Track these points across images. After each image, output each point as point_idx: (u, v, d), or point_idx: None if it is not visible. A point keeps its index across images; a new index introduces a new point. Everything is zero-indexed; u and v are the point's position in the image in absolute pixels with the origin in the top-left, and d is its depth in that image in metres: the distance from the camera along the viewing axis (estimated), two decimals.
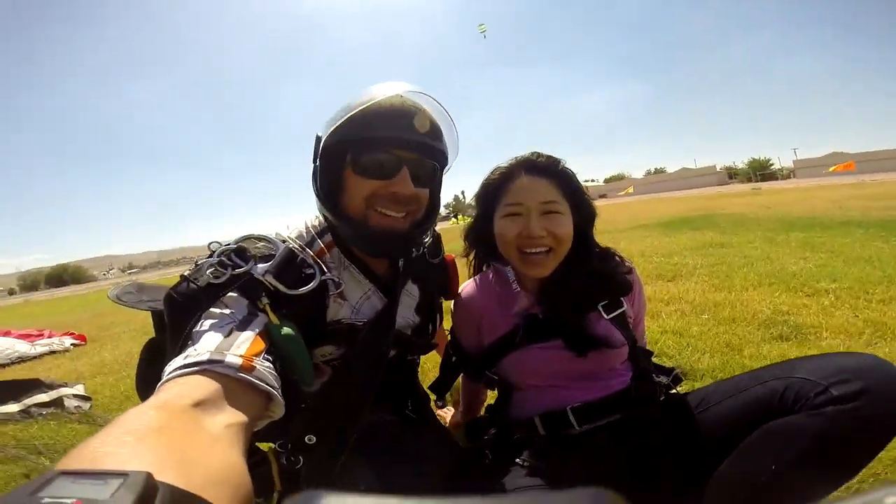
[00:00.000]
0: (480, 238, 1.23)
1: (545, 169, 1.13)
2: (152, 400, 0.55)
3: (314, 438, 0.90)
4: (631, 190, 47.76)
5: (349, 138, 0.91)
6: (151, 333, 1.01)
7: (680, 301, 3.21)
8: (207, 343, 0.67)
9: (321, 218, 1.05)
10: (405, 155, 0.93)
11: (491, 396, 1.44)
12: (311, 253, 0.95)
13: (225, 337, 0.69)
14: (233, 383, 0.62)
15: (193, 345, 0.68)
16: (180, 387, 0.58)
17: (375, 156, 0.92)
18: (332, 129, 0.91)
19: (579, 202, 1.14)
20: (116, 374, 3.63)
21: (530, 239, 1.07)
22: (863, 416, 0.77)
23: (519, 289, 1.19)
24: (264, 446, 1.02)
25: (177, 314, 0.77)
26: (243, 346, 0.68)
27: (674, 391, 1.18)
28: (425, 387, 1.36)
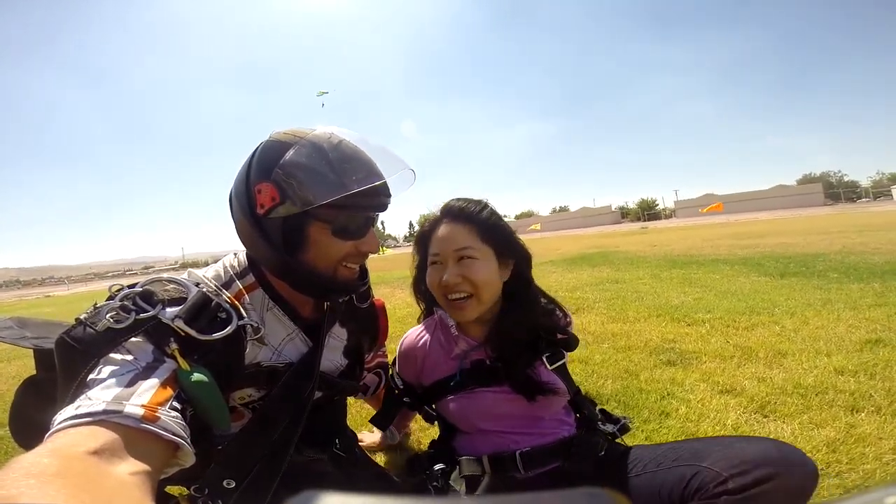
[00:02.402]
0: (421, 287, 1.28)
1: (462, 215, 1.18)
2: (41, 448, 0.51)
3: (233, 482, 0.86)
4: (538, 227, 50.74)
5: (332, 204, 0.88)
6: (20, 355, 0.92)
7: (583, 332, 3.47)
8: (104, 392, 0.62)
9: (241, 258, 1.03)
10: (373, 215, 1.00)
11: (434, 431, 1.46)
12: (229, 295, 0.93)
13: (125, 386, 0.65)
14: (134, 433, 0.59)
15: (88, 394, 0.63)
16: (71, 437, 0.55)
17: (355, 221, 0.96)
18: (330, 198, 0.86)
19: (502, 245, 1.19)
20: None
21: (448, 287, 1.13)
22: None
23: (458, 333, 1.23)
24: (174, 490, 0.94)
25: (70, 361, 0.71)
26: (146, 394, 0.65)
27: (619, 440, 1.22)
28: (359, 420, 1.36)
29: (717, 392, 2.13)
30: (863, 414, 1.79)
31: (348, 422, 1.39)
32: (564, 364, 1.22)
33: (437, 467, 1.18)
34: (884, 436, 1.61)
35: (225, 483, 0.86)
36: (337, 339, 1.15)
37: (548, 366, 1.18)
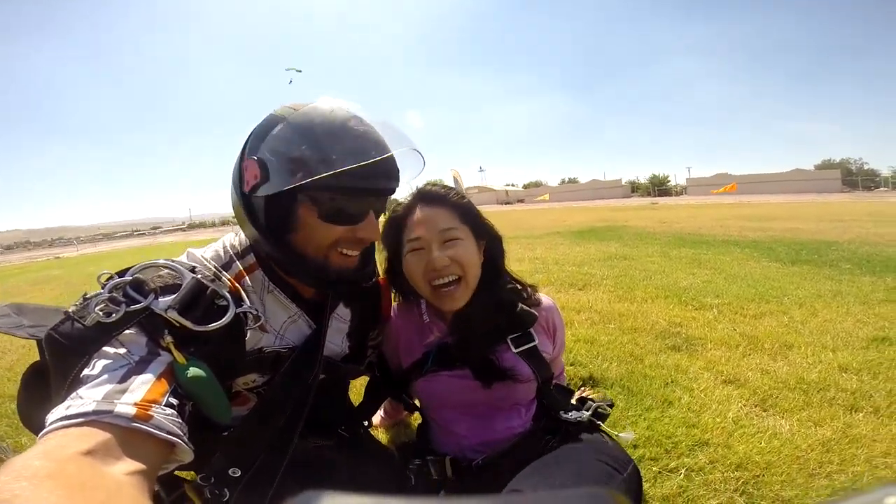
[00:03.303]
0: (395, 279, 1.23)
1: (439, 198, 1.14)
2: (32, 451, 0.51)
3: (238, 471, 0.86)
4: (547, 197, 50.30)
5: (314, 185, 0.81)
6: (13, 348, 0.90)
7: (590, 310, 3.52)
8: (94, 391, 0.60)
9: (241, 238, 0.99)
10: (373, 199, 0.92)
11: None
12: (229, 276, 0.90)
13: (117, 382, 0.62)
14: (126, 433, 0.57)
15: (79, 392, 0.61)
16: (62, 438, 0.53)
17: (347, 204, 0.87)
18: (312, 178, 0.79)
19: (480, 228, 1.17)
20: None
21: (436, 271, 1.08)
22: None
23: (429, 320, 1.22)
24: (185, 474, 0.96)
25: (59, 358, 0.69)
26: (139, 391, 0.63)
27: (599, 424, 1.19)
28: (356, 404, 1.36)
29: (721, 382, 2.17)
30: (861, 414, 1.83)
31: (354, 400, 1.41)
32: (535, 347, 1.17)
33: (414, 463, 1.20)
34: (878, 438, 1.65)
35: (231, 472, 0.85)
36: (340, 319, 1.12)
37: (513, 348, 1.16)
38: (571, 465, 1.01)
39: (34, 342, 0.87)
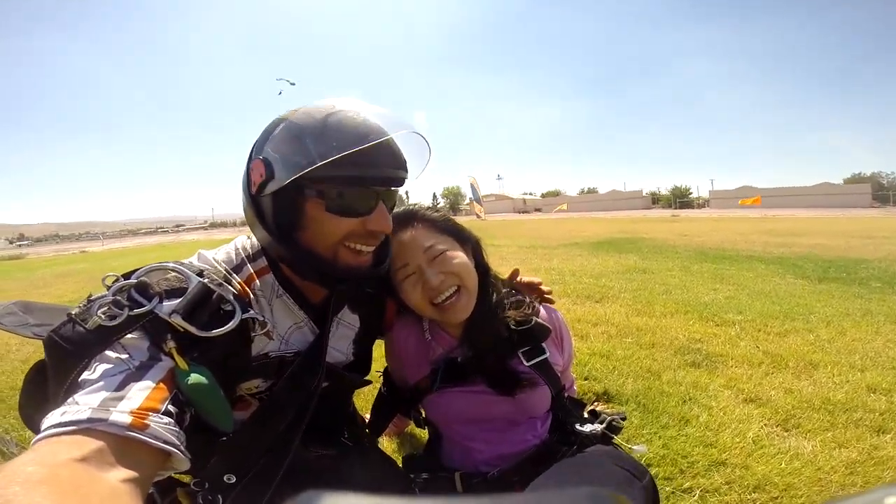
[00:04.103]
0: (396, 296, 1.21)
1: (412, 218, 1.14)
2: (24, 457, 0.50)
3: (234, 478, 0.84)
4: (565, 207, 50.05)
5: (320, 174, 0.80)
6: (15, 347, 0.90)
7: (607, 323, 3.49)
8: (91, 397, 0.60)
9: (254, 241, 0.98)
10: (381, 189, 0.89)
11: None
12: (239, 280, 0.90)
13: (115, 388, 0.62)
14: (121, 441, 0.56)
15: (75, 398, 0.60)
16: (54, 445, 0.53)
17: (353, 194, 0.85)
18: (310, 167, 0.78)
19: (460, 234, 1.17)
20: None
21: (434, 290, 1.07)
22: None
23: (431, 338, 1.21)
24: (183, 477, 0.93)
25: (59, 361, 0.69)
26: (137, 398, 0.61)
27: (612, 437, 1.19)
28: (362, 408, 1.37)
29: (742, 401, 2.14)
30: (888, 436, 1.78)
31: (360, 405, 1.42)
32: (546, 360, 1.17)
33: (421, 477, 1.19)
34: None
35: (226, 478, 0.84)
36: (348, 325, 1.11)
37: (524, 361, 1.15)
38: (592, 469, 1.01)
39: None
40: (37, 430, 0.80)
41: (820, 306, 3.85)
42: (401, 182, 0.92)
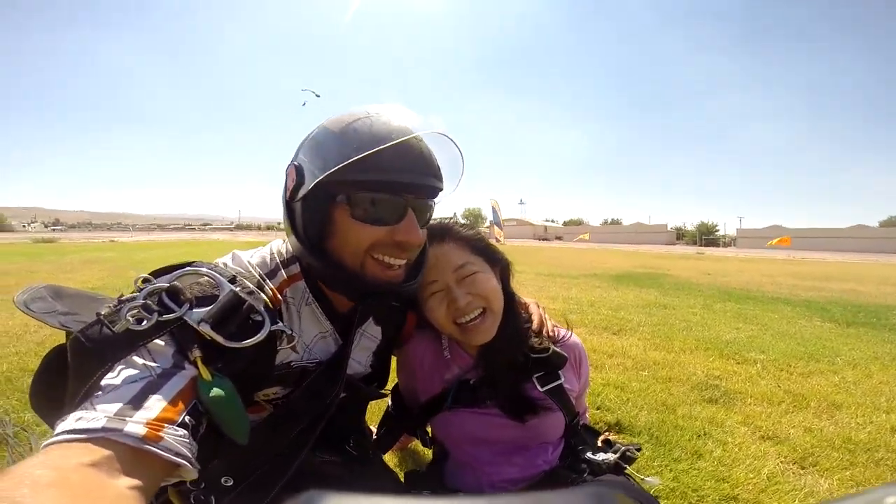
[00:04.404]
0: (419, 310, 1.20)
1: (446, 233, 1.12)
2: (34, 460, 0.50)
3: (231, 480, 0.83)
4: (587, 237, 49.71)
5: (346, 178, 0.79)
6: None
7: (623, 355, 3.46)
8: (109, 406, 0.59)
9: (289, 246, 0.96)
10: (411, 198, 0.85)
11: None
12: (272, 286, 0.89)
13: (134, 396, 0.61)
14: (133, 452, 0.56)
15: (93, 402, 0.60)
16: (65, 450, 0.53)
17: (380, 201, 0.82)
18: (334, 167, 0.78)
19: (492, 256, 1.15)
20: (2, 348, 3.32)
21: (460, 310, 1.06)
22: None
23: (450, 356, 1.21)
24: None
25: (82, 362, 0.68)
26: (155, 408, 0.61)
27: (628, 471, 1.17)
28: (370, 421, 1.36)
29: (758, 438, 2.10)
30: None
31: (367, 417, 1.40)
32: (560, 386, 1.16)
33: (423, 494, 1.17)
34: None
35: (223, 480, 0.83)
36: (370, 338, 1.10)
37: (539, 387, 1.14)
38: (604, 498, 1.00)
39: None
40: (42, 415, 0.82)
41: (847, 349, 3.76)
42: (433, 191, 0.88)
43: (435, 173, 0.87)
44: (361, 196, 0.81)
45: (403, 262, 0.89)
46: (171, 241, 25.06)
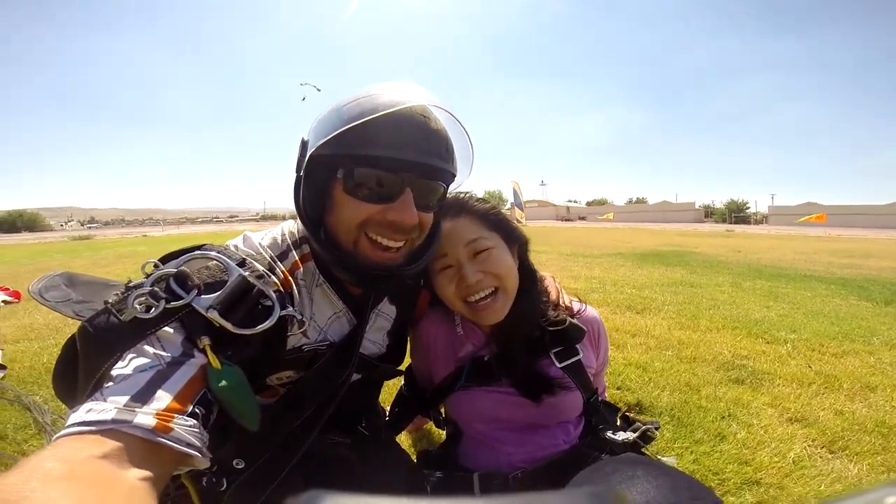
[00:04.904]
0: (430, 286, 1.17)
1: (459, 206, 1.09)
2: (45, 452, 0.50)
3: (242, 463, 0.84)
4: (611, 216, 48.88)
5: (342, 151, 0.79)
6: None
7: (646, 335, 3.39)
8: (118, 397, 0.59)
9: (300, 226, 0.95)
10: (409, 176, 0.82)
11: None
12: (283, 268, 0.88)
13: (143, 386, 0.61)
14: (143, 443, 0.56)
15: (103, 393, 0.60)
16: (75, 443, 0.53)
17: (373, 175, 0.80)
18: (324, 138, 0.78)
19: (510, 232, 1.12)
20: (43, 340, 3.46)
21: (469, 287, 1.03)
22: None
23: (463, 332, 1.18)
24: None
25: (91, 352, 0.68)
26: (164, 399, 0.61)
27: (644, 449, 1.13)
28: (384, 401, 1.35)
29: (786, 420, 2.03)
30: None
31: (381, 398, 1.40)
32: (579, 362, 1.13)
33: (435, 475, 1.15)
34: None
35: (235, 462, 0.83)
36: (385, 317, 1.09)
37: (557, 363, 1.11)
38: (656, 469, 0.88)
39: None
40: (66, 404, 0.81)
41: (884, 329, 3.61)
42: (437, 172, 0.85)
43: (439, 153, 0.83)
44: (357, 171, 0.80)
45: (400, 244, 0.87)
46: (199, 234, 25.80)
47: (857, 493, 0.21)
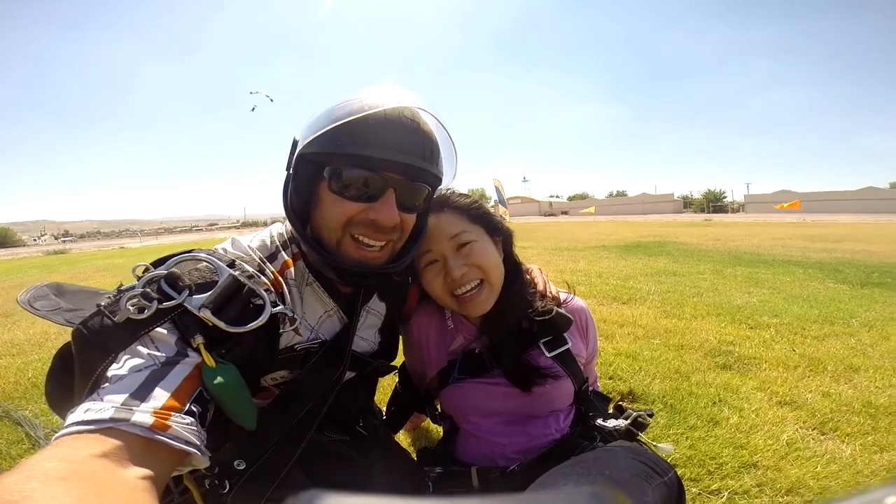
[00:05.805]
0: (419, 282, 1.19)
1: (442, 202, 1.10)
2: (46, 452, 0.51)
3: (244, 464, 0.84)
4: (593, 210, 49.38)
5: (328, 150, 0.81)
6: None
7: (633, 325, 3.42)
8: (115, 396, 0.59)
9: (289, 227, 0.96)
10: (393, 177, 0.84)
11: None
12: (272, 268, 0.88)
13: (139, 386, 0.61)
14: (142, 441, 0.57)
15: (100, 393, 0.60)
16: (74, 442, 0.54)
17: (357, 175, 0.82)
18: (311, 137, 0.81)
19: (492, 225, 1.14)
20: (26, 356, 3.42)
21: (455, 281, 1.05)
22: None
23: (453, 326, 1.19)
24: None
25: (86, 355, 0.69)
26: (161, 397, 0.61)
27: (637, 434, 1.15)
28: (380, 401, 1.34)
29: (775, 403, 2.06)
30: None
31: (377, 398, 1.38)
32: (568, 351, 1.14)
33: (435, 471, 1.15)
34: None
35: (236, 464, 0.84)
36: (375, 314, 1.10)
37: (546, 352, 1.12)
38: (609, 461, 0.95)
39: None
40: (59, 414, 0.81)
41: (862, 311, 3.70)
42: (420, 173, 0.87)
43: (423, 155, 0.85)
44: (342, 170, 0.82)
45: (382, 244, 0.89)
46: (179, 244, 25.50)
47: (857, 493, 0.21)
